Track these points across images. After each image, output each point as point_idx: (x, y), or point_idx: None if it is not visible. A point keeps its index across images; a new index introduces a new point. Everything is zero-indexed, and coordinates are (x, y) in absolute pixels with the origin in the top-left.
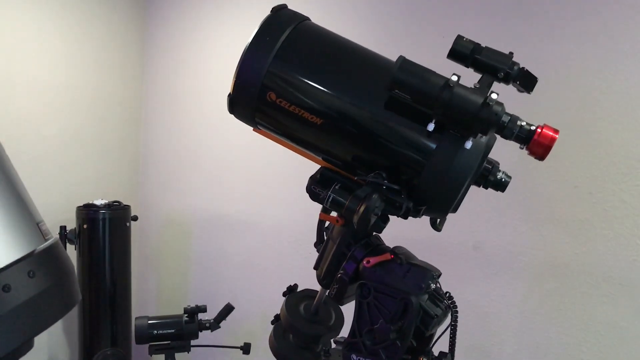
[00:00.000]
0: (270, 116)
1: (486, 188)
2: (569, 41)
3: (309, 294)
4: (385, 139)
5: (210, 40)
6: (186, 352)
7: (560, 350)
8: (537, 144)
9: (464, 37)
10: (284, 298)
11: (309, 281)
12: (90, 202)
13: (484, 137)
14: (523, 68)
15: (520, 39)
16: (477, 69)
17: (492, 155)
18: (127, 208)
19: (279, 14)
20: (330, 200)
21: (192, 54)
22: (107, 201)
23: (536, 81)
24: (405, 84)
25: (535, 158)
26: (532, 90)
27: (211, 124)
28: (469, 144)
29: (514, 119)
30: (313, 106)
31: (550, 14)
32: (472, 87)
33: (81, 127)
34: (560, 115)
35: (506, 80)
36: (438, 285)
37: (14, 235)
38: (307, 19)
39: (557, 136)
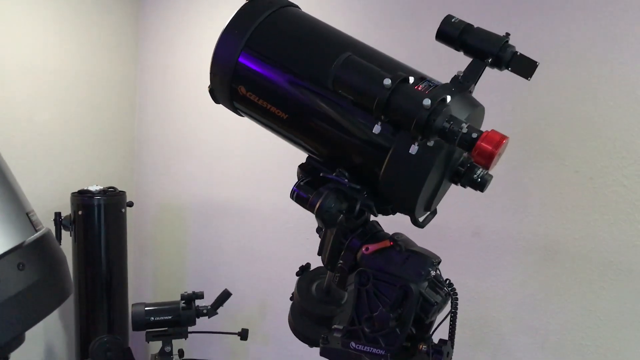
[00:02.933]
0: (246, 109)
1: (464, 187)
2: (570, 24)
3: (322, 272)
4: (347, 138)
5: (205, 24)
6: (183, 339)
7: (559, 336)
8: (478, 151)
9: (453, 17)
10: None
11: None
12: (85, 188)
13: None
14: (517, 52)
15: (519, 23)
16: (466, 52)
17: None
18: (122, 194)
19: (253, 4)
20: (295, 195)
21: (187, 38)
22: (102, 187)
23: (535, 66)
24: (344, 83)
25: (481, 167)
26: (530, 76)
27: (207, 109)
28: (414, 149)
29: (457, 122)
30: (278, 101)
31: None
32: (457, 74)
33: (75, 112)
34: (561, 100)
35: (497, 65)
36: (438, 272)
37: (2, 226)
38: (287, 5)
39: (504, 141)
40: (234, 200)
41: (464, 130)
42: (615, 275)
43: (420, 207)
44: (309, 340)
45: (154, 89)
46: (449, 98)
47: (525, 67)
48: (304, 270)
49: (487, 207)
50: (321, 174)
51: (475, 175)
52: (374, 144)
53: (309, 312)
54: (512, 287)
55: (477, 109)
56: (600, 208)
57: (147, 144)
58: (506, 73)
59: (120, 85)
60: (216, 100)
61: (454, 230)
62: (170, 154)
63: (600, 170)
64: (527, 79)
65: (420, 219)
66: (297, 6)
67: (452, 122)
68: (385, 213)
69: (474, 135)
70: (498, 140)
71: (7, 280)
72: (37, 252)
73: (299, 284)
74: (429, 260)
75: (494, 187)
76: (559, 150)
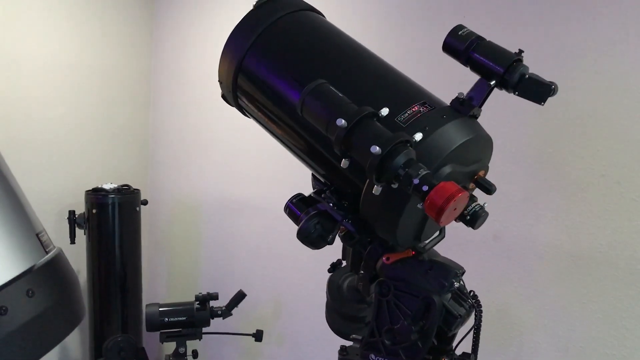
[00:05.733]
0: (251, 117)
1: (456, 221)
2: (596, 23)
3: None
4: (331, 164)
5: (221, 20)
6: (198, 340)
7: (582, 344)
8: (429, 202)
9: (462, 29)
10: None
11: (322, 266)
12: (100, 186)
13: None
14: (526, 75)
15: (544, 22)
16: (472, 69)
17: (509, 146)
18: (136, 192)
19: (258, 11)
20: (287, 210)
21: (202, 35)
22: (116, 185)
23: (549, 90)
24: (310, 112)
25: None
26: (544, 101)
27: (221, 107)
28: (377, 190)
29: (415, 168)
30: (271, 117)
31: None
32: (458, 95)
33: (89, 110)
34: (587, 100)
35: (504, 87)
36: (462, 283)
37: (11, 250)
38: (293, 11)
39: (458, 196)
40: (248, 199)
41: (416, 181)
42: None
43: (405, 239)
44: (344, 335)
45: (169, 86)
46: (419, 136)
47: (537, 91)
48: (335, 267)
49: (508, 210)
50: (311, 194)
51: (464, 211)
52: (353, 174)
53: (339, 311)
54: (533, 293)
55: (474, 138)
56: (627, 214)
57: (162, 141)
58: (531, 68)
59: (135, 83)
60: (230, 105)
61: (473, 233)
62: (185, 152)
63: (628, 174)
64: (540, 104)
65: (422, 244)
66: (309, 8)
67: (407, 169)
68: (375, 239)
69: (425, 188)
70: (450, 194)
71: (15, 309)
72: (47, 276)
73: (330, 282)
74: (453, 271)
75: (516, 189)
76: (585, 152)
